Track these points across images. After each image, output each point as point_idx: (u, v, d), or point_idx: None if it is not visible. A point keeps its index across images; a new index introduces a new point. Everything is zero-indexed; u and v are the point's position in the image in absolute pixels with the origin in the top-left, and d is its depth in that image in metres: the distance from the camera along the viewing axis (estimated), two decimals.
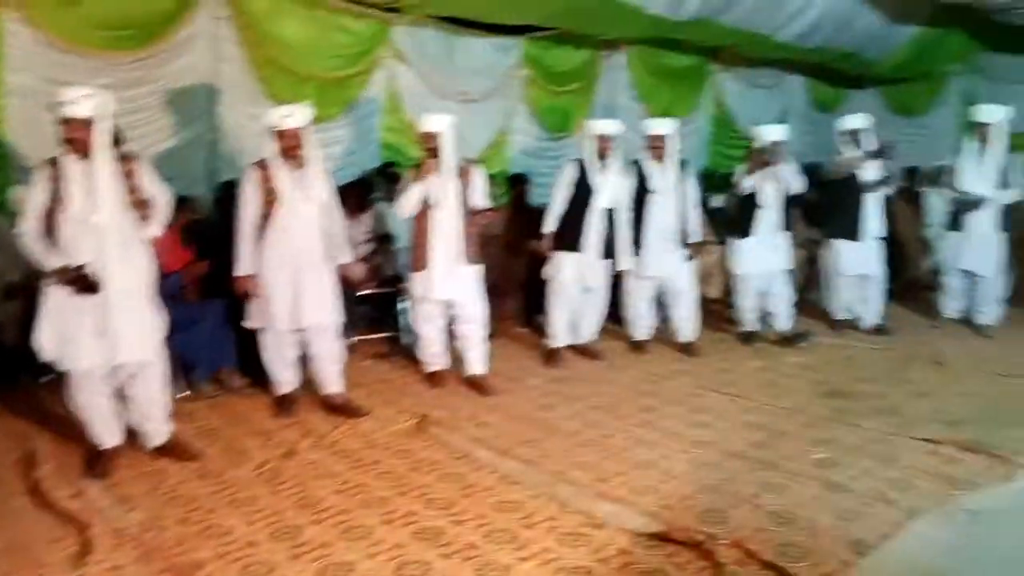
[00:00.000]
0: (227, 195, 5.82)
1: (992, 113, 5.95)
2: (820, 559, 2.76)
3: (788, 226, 5.89)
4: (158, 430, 3.81)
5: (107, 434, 3.65)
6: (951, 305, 6.39)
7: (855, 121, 6.03)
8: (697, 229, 5.65)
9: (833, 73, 9.91)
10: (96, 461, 3.61)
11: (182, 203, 4.91)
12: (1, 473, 3.64)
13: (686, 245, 5.54)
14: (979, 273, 6.08)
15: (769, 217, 5.75)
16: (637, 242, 5.48)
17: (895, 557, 2.81)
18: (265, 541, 2.97)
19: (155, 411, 3.78)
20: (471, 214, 4.72)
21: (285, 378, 4.47)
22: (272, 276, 4.20)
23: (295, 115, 4.12)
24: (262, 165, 4.18)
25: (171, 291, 4.58)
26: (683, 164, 5.56)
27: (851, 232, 5.96)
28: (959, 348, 5.74)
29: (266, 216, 4.18)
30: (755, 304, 5.99)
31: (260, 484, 3.50)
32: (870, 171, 5.86)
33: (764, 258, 5.78)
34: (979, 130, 5.95)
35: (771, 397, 4.65)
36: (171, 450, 3.80)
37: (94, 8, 5.30)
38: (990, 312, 6.19)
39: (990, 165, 5.91)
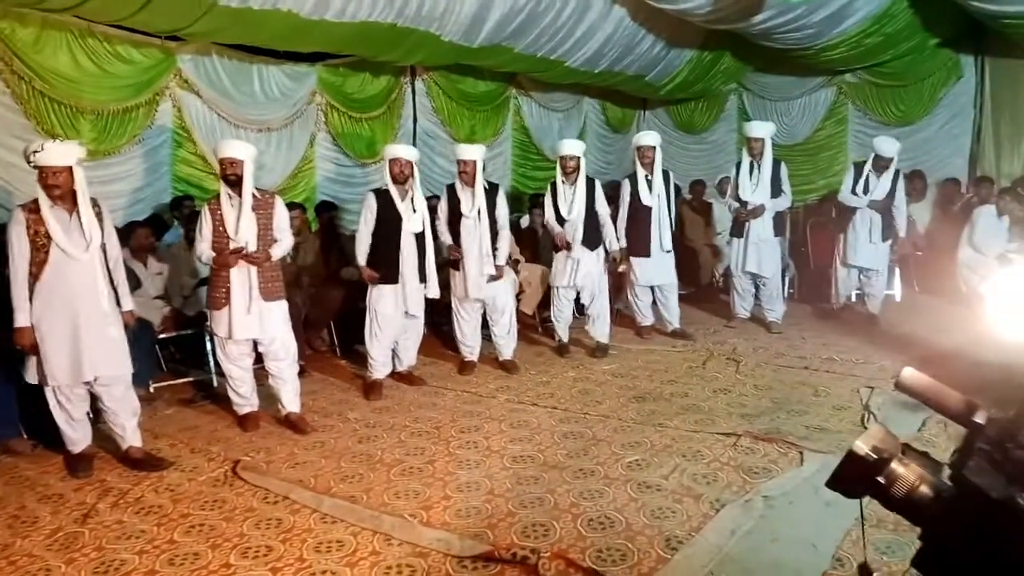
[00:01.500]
0: None
1: (761, 128, 6.58)
2: (637, 559, 2.88)
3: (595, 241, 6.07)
4: None
5: None
6: (741, 305, 6.93)
7: (647, 139, 6.42)
8: (504, 250, 5.73)
9: (623, 95, 10.52)
10: None
11: None
12: None
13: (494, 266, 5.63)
14: (762, 275, 6.64)
15: (575, 231, 5.94)
16: (456, 265, 5.55)
17: (703, 548, 2.97)
18: None
19: None
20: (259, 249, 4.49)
21: (76, 436, 4.08)
22: (49, 327, 3.84)
23: (52, 150, 3.75)
24: (31, 208, 3.81)
25: None
26: (492, 187, 5.65)
27: (643, 249, 6.36)
28: (751, 344, 6.23)
29: (39, 263, 3.80)
30: (570, 315, 6.20)
31: (53, 553, 3.18)
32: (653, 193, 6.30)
33: (575, 271, 5.97)
34: (751, 145, 6.52)
35: (586, 406, 4.81)
36: None
37: None
38: (775, 310, 6.78)
39: (764, 175, 6.48)
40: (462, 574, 2.84)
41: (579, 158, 5.92)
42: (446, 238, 5.60)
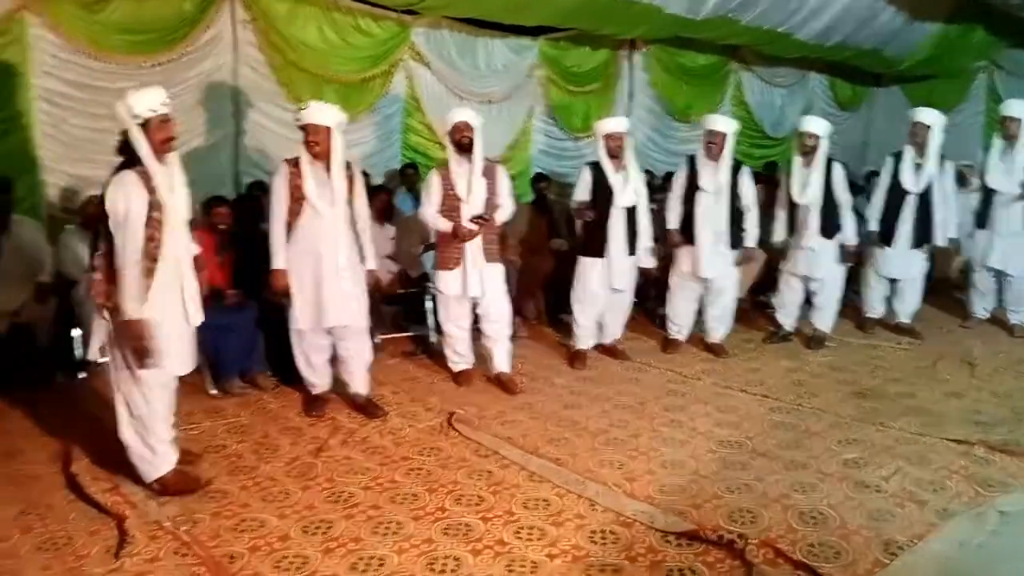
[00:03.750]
0: (250, 196, 5.87)
1: (1021, 107, 5.85)
2: (852, 559, 2.74)
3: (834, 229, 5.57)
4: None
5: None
6: (981, 305, 6.28)
7: (922, 115, 5.75)
8: (753, 232, 5.46)
9: (854, 71, 9.85)
10: None
11: (218, 205, 4.89)
12: (39, 469, 3.68)
13: (736, 247, 5.42)
14: (1008, 272, 5.99)
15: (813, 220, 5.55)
16: (690, 239, 5.38)
17: (927, 557, 2.78)
18: (298, 535, 3.00)
19: None
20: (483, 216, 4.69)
21: (315, 380, 4.47)
22: (297, 274, 4.20)
23: (314, 110, 4.08)
24: (294, 162, 4.17)
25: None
26: (738, 165, 5.42)
27: (886, 237, 5.88)
28: (990, 348, 5.66)
29: (295, 213, 4.16)
30: (796, 305, 5.86)
31: (292, 480, 3.52)
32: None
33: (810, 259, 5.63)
34: (1007, 125, 5.86)
35: (799, 397, 4.61)
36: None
37: (115, 13, 5.38)
38: (1021, 312, 6.09)
39: (1019, 161, 5.80)
40: (666, 549, 2.84)
41: (819, 137, 5.42)
42: (673, 218, 5.48)
